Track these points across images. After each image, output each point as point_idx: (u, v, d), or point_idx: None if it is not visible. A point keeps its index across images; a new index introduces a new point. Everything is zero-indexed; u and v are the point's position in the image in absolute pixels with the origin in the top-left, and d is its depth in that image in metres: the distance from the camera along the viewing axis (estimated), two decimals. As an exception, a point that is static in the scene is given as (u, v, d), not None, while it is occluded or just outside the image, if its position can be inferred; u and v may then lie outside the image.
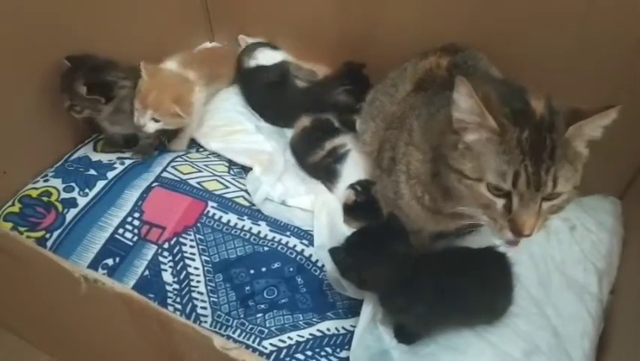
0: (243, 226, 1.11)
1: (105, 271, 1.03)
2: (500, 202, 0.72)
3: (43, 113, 1.17)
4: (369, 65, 1.36)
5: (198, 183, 1.17)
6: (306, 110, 1.32)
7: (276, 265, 1.06)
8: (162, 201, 1.13)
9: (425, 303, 0.87)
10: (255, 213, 1.15)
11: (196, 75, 1.28)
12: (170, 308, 1.00)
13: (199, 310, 1.00)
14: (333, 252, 0.89)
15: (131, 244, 1.07)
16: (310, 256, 1.08)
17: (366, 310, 0.97)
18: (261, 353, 0.94)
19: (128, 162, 1.22)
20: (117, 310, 0.73)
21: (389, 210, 0.98)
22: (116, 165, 1.21)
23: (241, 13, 1.51)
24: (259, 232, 1.11)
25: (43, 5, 1.08)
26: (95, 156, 1.23)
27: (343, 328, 0.99)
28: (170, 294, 1.02)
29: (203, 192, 1.16)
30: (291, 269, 1.06)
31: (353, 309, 1.01)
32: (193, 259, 1.06)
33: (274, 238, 1.10)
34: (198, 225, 1.10)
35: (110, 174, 1.18)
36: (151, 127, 1.15)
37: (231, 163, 1.26)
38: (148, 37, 1.30)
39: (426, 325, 0.94)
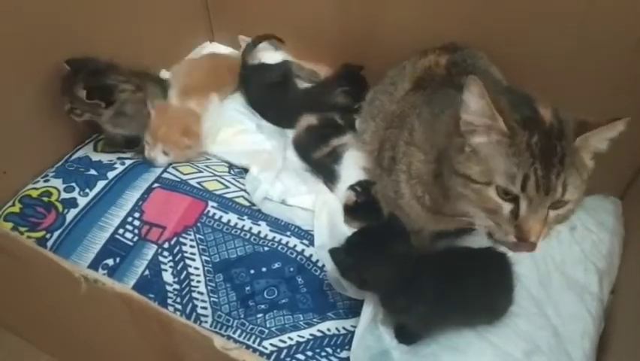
0: (243, 226, 1.11)
1: (105, 271, 1.03)
2: (507, 207, 0.70)
3: (43, 114, 1.17)
4: (369, 65, 1.36)
5: (198, 183, 1.17)
6: (306, 111, 1.31)
7: (276, 265, 1.06)
8: (162, 201, 1.13)
9: (426, 303, 0.87)
10: (255, 213, 1.15)
11: (197, 103, 1.31)
12: (171, 308, 1.00)
13: (199, 311, 1.00)
14: (334, 252, 0.89)
15: (131, 244, 1.07)
16: (310, 256, 1.08)
17: (367, 311, 0.97)
18: (262, 354, 0.94)
19: (128, 162, 1.22)
20: (117, 311, 0.73)
21: (390, 209, 0.98)
22: (116, 165, 1.20)
23: (241, 13, 1.51)
24: (259, 232, 1.11)
25: (44, 6, 1.08)
26: (96, 156, 1.23)
27: (344, 328, 0.99)
28: (170, 294, 1.02)
29: (203, 192, 1.16)
30: (292, 269, 1.06)
31: (353, 309, 1.01)
32: (193, 259, 1.06)
33: (274, 238, 1.10)
34: (198, 225, 1.10)
35: (111, 174, 1.18)
36: (161, 161, 1.19)
37: (231, 163, 1.26)
38: (148, 37, 1.30)
39: (426, 325, 0.94)
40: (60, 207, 1.11)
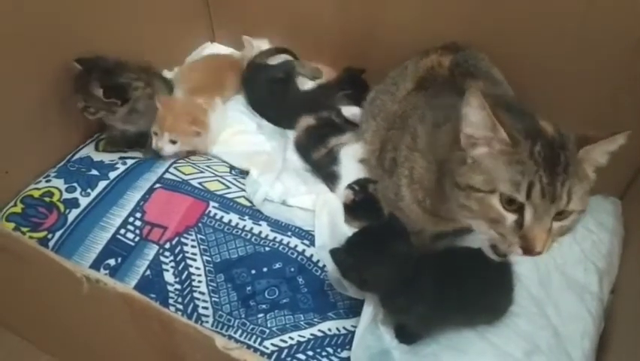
0: (244, 226, 1.12)
1: (107, 271, 1.04)
2: (511, 217, 0.69)
3: (45, 114, 1.17)
4: (370, 64, 1.36)
5: (200, 183, 1.17)
6: (307, 113, 1.32)
7: (277, 266, 1.06)
8: (164, 201, 1.13)
9: (426, 303, 0.88)
10: (256, 214, 1.15)
11: (204, 102, 1.31)
12: (172, 308, 1.00)
13: (200, 311, 1.01)
14: (334, 253, 0.89)
15: (132, 244, 1.07)
16: (311, 256, 1.08)
17: (367, 311, 0.97)
18: (263, 353, 0.94)
19: (130, 162, 1.22)
20: (119, 311, 0.73)
21: (390, 210, 0.98)
22: (117, 165, 1.21)
23: (242, 14, 1.52)
24: (260, 232, 1.11)
25: (45, 6, 1.08)
26: (97, 156, 1.24)
27: (344, 328, 0.99)
28: (171, 294, 1.02)
29: (204, 193, 1.16)
30: (292, 269, 1.06)
31: (354, 309, 1.01)
32: (194, 259, 1.06)
33: (275, 238, 1.10)
34: (200, 225, 1.11)
35: (112, 175, 1.18)
36: (168, 150, 1.20)
37: (232, 165, 1.26)
38: (149, 37, 1.30)
39: (426, 325, 0.94)
40: (62, 207, 1.12)
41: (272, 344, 0.96)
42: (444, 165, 0.79)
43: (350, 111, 1.29)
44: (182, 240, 1.08)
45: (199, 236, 1.09)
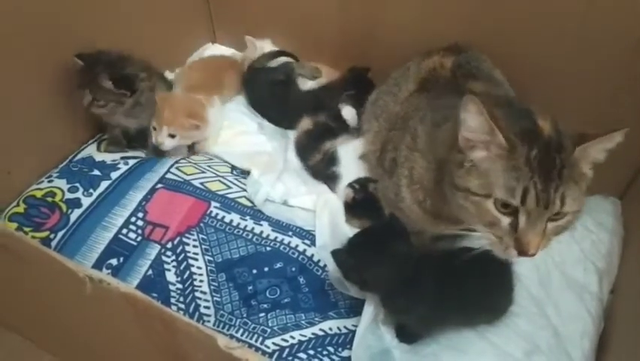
0: (246, 226, 1.12)
1: (109, 271, 1.04)
2: (506, 220, 0.71)
3: (46, 115, 1.18)
4: (370, 65, 1.36)
5: (201, 183, 1.18)
6: (311, 113, 1.32)
7: (278, 265, 1.07)
8: (166, 201, 1.14)
9: (426, 303, 0.88)
10: (257, 214, 1.15)
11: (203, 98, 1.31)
12: (174, 308, 1.01)
13: (202, 310, 1.01)
14: (335, 254, 0.90)
15: (134, 243, 1.08)
16: (312, 256, 1.08)
17: (368, 310, 0.98)
18: (264, 353, 0.94)
19: (131, 162, 1.23)
20: (121, 310, 0.74)
21: (390, 210, 0.98)
22: (119, 165, 1.21)
23: (243, 15, 1.52)
24: (261, 232, 1.11)
25: (46, 6, 1.08)
26: (99, 156, 1.24)
27: (345, 327, 0.99)
28: (173, 293, 1.03)
29: (206, 193, 1.16)
30: (294, 269, 1.07)
31: (355, 308, 1.01)
32: (196, 259, 1.07)
33: (276, 238, 1.11)
34: (201, 225, 1.11)
35: (114, 175, 1.19)
36: (168, 144, 1.20)
37: (233, 165, 1.27)
38: (150, 38, 1.30)
39: (427, 325, 0.95)
40: (64, 207, 1.12)
41: (273, 344, 0.96)
42: (443, 165, 0.80)
43: (349, 113, 1.29)
44: (184, 240, 1.09)
45: (201, 236, 1.09)
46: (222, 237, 1.10)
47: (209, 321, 1.00)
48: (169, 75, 1.43)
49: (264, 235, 1.11)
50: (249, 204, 1.17)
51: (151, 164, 1.22)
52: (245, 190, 1.19)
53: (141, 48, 1.21)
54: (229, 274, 1.06)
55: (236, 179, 1.22)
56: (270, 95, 1.39)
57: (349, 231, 1.10)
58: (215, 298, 1.03)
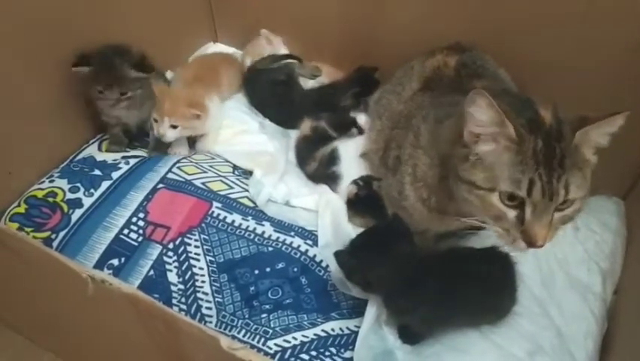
0: (248, 227, 1.12)
1: (110, 272, 1.04)
2: (512, 213, 0.71)
3: (47, 114, 1.18)
4: (373, 64, 1.36)
5: (203, 183, 1.18)
6: (318, 111, 1.31)
7: (280, 266, 1.07)
8: (167, 201, 1.14)
9: (429, 304, 0.87)
10: (259, 214, 1.15)
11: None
12: (175, 308, 1.00)
13: (204, 311, 1.01)
14: (338, 255, 0.89)
15: (136, 244, 1.08)
16: (314, 256, 1.08)
17: (371, 311, 0.97)
18: (266, 354, 0.94)
19: (132, 161, 1.23)
20: (123, 311, 0.74)
21: (393, 209, 0.98)
22: (120, 165, 1.21)
23: (244, 14, 1.52)
24: (263, 233, 1.11)
25: (46, 6, 1.08)
26: (100, 156, 1.24)
27: (347, 328, 0.99)
28: (175, 294, 1.02)
29: (207, 193, 1.16)
30: (296, 269, 1.06)
31: (357, 309, 1.01)
32: (198, 260, 1.06)
33: (278, 238, 1.11)
34: (203, 225, 1.11)
35: (115, 175, 1.18)
36: (170, 135, 1.20)
37: (234, 165, 1.26)
38: (151, 38, 1.30)
39: (430, 326, 0.94)
40: (65, 207, 1.12)
41: (275, 345, 0.96)
42: (447, 161, 0.80)
43: (364, 121, 1.28)
44: (186, 240, 1.08)
45: (202, 236, 1.09)
46: (224, 237, 1.10)
47: (210, 322, 1.00)
48: (169, 75, 1.42)
49: (266, 236, 1.11)
50: (251, 205, 1.17)
51: (152, 163, 1.22)
52: (247, 190, 1.19)
53: (142, 48, 1.21)
54: (231, 274, 1.05)
55: (237, 179, 1.22)
56: (271, 95, 1.39)
57: (352, 231, 1.10)
58: (217, 299, 1.02)
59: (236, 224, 1.12)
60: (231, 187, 1.19)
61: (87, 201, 1.13)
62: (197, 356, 0.76)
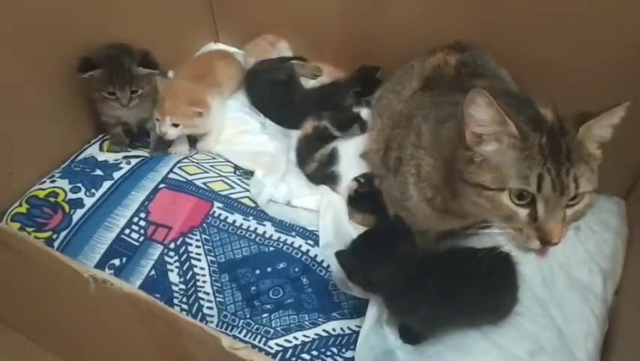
0: (249, 227, 1.12)
1: (112, 271, 1.04)
2: (524, 212, 0.70)
3: (48, 114, 1.18)
4: (373, 63, 1.36)
5: (204, 183, 1.18)
6: (320, 110, 1.31)
7: (281, 266, 1.07)
8: (168, 201, 1.14)
9: (430, 304, 0.87)
10: (260, 214, 1.15)
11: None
12: (177, 308, 1.00)
13: (205, 311, 1.01)
14: (339, 255, 0.89)
15: (137, 244, 1.08)
16: (315, 256, 1.08)
17: (372, 311, 0.97)
18: (267, 353, 0.94)
19: (134, 161, 1.23)
20: (125, 310, 0.74)
21: (395, 209, 0.98)
22: (122, 165, 1.21)
23: (245, 14, 1.52)
24: (264, 233, 1.11)
25: (48, 6, 1.09)
26: (101, 156, 1.24)
27: (349, 328, 0.99)
28: (176, 294, 1.02)
29: (209, 193, 1.16)
30: (297, 269, 1.06)
31: (358, 309, 1.01)
32: (199, 259, 1.06)
33: (279, 238, 1.11)
34: (204, 225, 1.11)
35: (116, 175, 1.19)
36: (172, 133, 1.21)
37: (235, 165, 1.27)
38: (153, 38, 1.30)
39: (431, 326, 0.94)
40: (67, 207, 1.12)
41: (276, 344, 0.96)
42: (451, 164, 0.79)
43: (367, 115, 1.28)
44: (187, 240, 1.08)
45: (203, 236, 1.09)
46: (225, 237, 1.10)
47: (212, 322, 1.00)
48: (170, 75, 1.42)
49: (267, 235, 1.11)
50: (252, 205, 1.17)
51: (153, 163, 1.22)
52: (248, 190, 1.19)
53: (144, 48, 1.21)
54: (232, 274, 1.05)
55: (239, 179, 1.22)
56: (272, 94, 1.39)
57: (353, 231, 1.09)
58: (218, 299, 1.02)
59: (237, 224, 1.12)
60: (232, 187, 1.19)
61: (88, 201, 1.13)
62: (198, 356, 0.76)
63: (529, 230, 0.71)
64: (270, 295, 1.03)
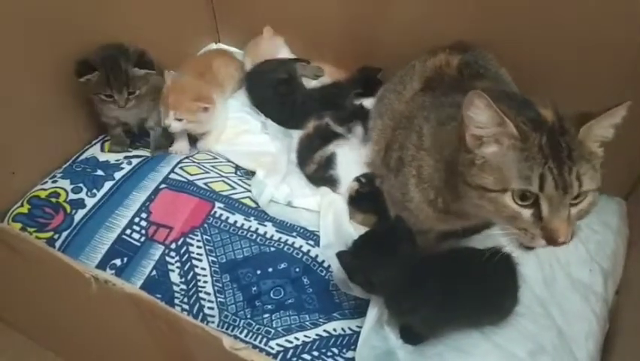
0: (250, 227, 1.12)
1: (113, 272, 1.04)
2: (527, 212, 0.70)
3: (50, 115, 1.18)
4: (373, 63, 1.36)
5: (205, 184, 1.18)
6: (321, 110, 1.31)
7: (282, 266, 1.07)
8: (169, 201, 1.14)
9: (430, 305, 0.87)
10: (261, 214, 1.15)
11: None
12: (178, 308, 1.00)
13: (206, 311, 1.01)
14: (340, 255, 0.90)
15: (138, 244, 1.08)
16: (316, 256, 1.08)
17: (373, 311, 0.97)
18: (268, 354, 0.94)
19: (135, 161, 1.23)
20: (126, 311, 0.74)
21: (396, 210, 0.98)
22: (123, 165, 1.21)
23: (246, 15, 1.52)
24: (265, 233, 1.11)
25: (48, 7, 1.09)
26: (103, 157, 1.24)
27: (349, 328, 0.99)
28: (177, 294, 1.03)
29: (210, 193, 1.16)
30: (298, 270, 1.07)
31: (359, 309, 1.01)
32: (200, 260, 1.07)
33: (280, 238, 1.11)
34: (205, 225, 1.11)
35: (118, 175, 1.19)
36: (175, 126, 1.22)
37: (236, 165, 1.27)
38: (154, 38, 1.30)
39: (431, 326, 0.94)
40: (68, 207, 1.12)
41: (277, 345, 0.96)
42: (452, 166, 0.79)
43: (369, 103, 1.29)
44: (188, 240, 1.09)
45: (204, 237, 1.09)
46: (226, 237, 1.10)
47: (213, 322, 1.00)
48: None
49: (268, 236, 1.11)
50: (253, 205, 1.17)
51: (154, 163, 1.23)
52: (249, 191, 1.19)
53: (145, 48, 1.21)
54: (233, 274, 1.05)
55: (240, 179, 1.22)
56: (273, 94, 1.39)
57: (353, 231, 1.10)
58: (219, 299, 1.02)
59: (238, 224, 1.12)
60: (234, 188, 1.19)
61: (90, 202, 1.13)
62: (199, 356, 0.77)
63: (535, 230, 0.71)
64: (271, 295, 1.03)
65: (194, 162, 1.24)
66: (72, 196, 1.14)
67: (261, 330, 0.98)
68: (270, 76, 1.39)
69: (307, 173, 1.25)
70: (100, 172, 1.19)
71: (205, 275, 1.05)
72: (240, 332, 0.98)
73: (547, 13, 1.07)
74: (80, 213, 1.11)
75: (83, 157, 1.24)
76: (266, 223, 1.13)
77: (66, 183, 1.17)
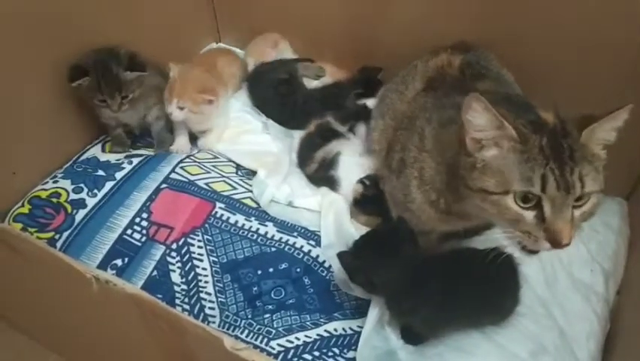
0: (251, 227, 1.12)
1: (114, 272, 1.04)
2: (530, 214, 0.70)
3: (51, 115, 1.18)
4: (373, 63, 1.36)
5: (206, 184, 1.18)
6: (322, 110, 1.31)
7: (283, 266, 1.07)
8: (170, 201, 1.14)
9: (431, 305, 0.87)
10: (262, 214, 1.15)
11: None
12: (179, 309, 1.00)
13: (207, 311, 1.01)
14: (341, 256, 0.90)
15: (139, 244, 1.08)
16: (317, 256, 1.08)
17: (374, 311, 0.97)
18: (269, 354, 0.94)
19: (136, 160, 1.23)
20: (127, 311, 0.74)
21: (398, 210, 0.98)
22: (124, 165, 1.21)
23: (247, 14, 1.52)
24: (266, 233, 1.11)
25: (51, 6, 1.09)
26: (104, 157, 1.24)
27: (350, 328, 0.99)
28: (178, 294, 1.03)
29: (211, 193, 1.16)
30: (298, 270, 1.07)
31: (360, 309, 1.01)
32: (201, 260, 1.07)
33: (281, 238, 1.11)
34: (206, 225, 1.11)
35: (119, 175, 1.19)
36: (177, 115, 1.22)
37: (238, 164, 1.27)
38: (154, 38, 1.31)
39: (432, 327, 0.94)
40: (69, 207, 1.12)
41: (278, 345, 0.96)
42: (453, 168, 0.79)
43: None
44: (189, 240, 1.09)
45: (205, 237, 1.09)
46: (227, 238, 1.10)
47: (214, 322, 1.00)
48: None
49: (269, 236, 1.11)
50: (254, 205, 1.17)
51: (155, 163, 1.22)
52: (250, 191, 1.19)
53: (145, 48, 1.21)
54: (234, 274, 1.05)
55: (241, 180, 1.22)
56: (274, 95, 1.38)
57: (354, 232, 1.10)
58: (220, 299, 1.03)
59: (239, 225, 1.12)
60: (235, 188, 1.19)
61: (91, 202, 1.13)
62: (200, 357, 0.77)
63: (538, 232, 0.70)
64: (272, 295, 1.03)
65: (195, 161, 1.24)
66: (73, 196, 1.14)
67: (262, 330, 0.98)
68: (270, 76, 1.39)
69: (307, 173, 1.25)
70: (101, 172, 1.19)
71: (206, 275, 1.05)
72: (241, 332, 0.98)
73: (547, 14, 1.07)
74: (80, 214, 1.11)
75: (83, 157, 1.24)
76: (267, 223, 1.13)
77: (67, 183, 1.17)
